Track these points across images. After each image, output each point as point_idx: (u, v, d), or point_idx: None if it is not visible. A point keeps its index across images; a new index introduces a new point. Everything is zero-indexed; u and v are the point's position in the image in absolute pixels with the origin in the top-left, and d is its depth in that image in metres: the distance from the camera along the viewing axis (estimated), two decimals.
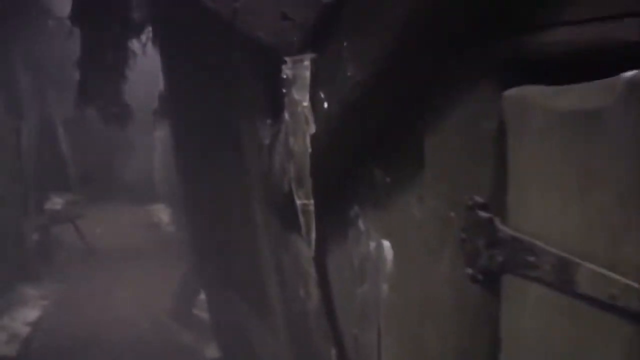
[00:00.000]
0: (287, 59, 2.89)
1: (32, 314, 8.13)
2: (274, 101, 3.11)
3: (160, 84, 6.62)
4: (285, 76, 2.91)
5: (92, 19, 5.67)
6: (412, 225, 2.47)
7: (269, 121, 3.29)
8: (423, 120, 2.33)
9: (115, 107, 6.42)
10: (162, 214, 14.20)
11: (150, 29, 5.70)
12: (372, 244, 2.81)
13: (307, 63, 2.81)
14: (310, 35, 2.77)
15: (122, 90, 6.27)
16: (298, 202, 2.92)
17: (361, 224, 2.89)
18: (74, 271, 10.15)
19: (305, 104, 2.85)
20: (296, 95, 2.86)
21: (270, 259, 3.37)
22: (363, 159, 2.82)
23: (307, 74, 2.82)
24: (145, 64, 6.85)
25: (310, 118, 2.82)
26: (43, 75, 12.68)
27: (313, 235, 2.91)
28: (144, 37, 5.98)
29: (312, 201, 2.88)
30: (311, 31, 2.75)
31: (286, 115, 2.97)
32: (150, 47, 6.02)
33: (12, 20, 8.28)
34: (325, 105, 2.75)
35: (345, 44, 2.50)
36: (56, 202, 15.40)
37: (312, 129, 2.83)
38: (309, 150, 2.85)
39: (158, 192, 15.26)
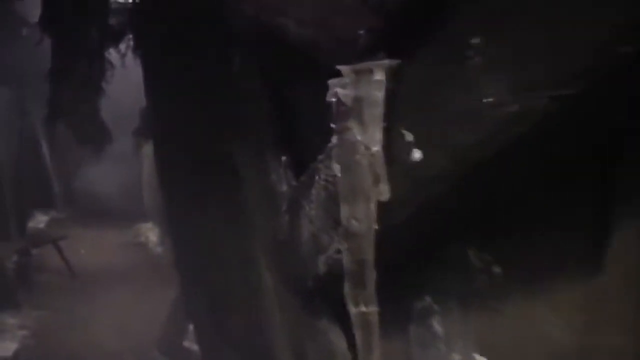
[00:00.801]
0: (341, 68, 1.88)
1: (8, 346, 7.49)
2: (299, 131, 2.35)
3: (142, 100, 6.01)
4: (334, 99, 1.88)
5: (63, 25, 5.04)
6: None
7: (284, 159, 2.48)
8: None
9: (90, 126, 5.74)
10: (150, 233, 13.56)
11: (130, 36, 5.05)
12: (457, 358, 2.00)
13: (379, 77, 1.79)
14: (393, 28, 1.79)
15: (98, 106, 5.64)
16: (353, 309, 1.98)
17: (436, 326, 2.04)
18: (55, 297, 9.51)
19: (376, 148, 1.82)
20: (357, 131, 1.82)
21: (282, 337, 2.71)
22: (454, 235, 1.98)
23: (380, 95, 1.79)
24: (124, 77, 6.26)
25: (382, 173, 1.85)
26: (21, 87, 12.06)
27: (376, 354, 1.97)
28: (123, 46, 5.31)
29: (376, 309, 1.94)
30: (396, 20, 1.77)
31: (334, 165, 1.97)
32: (130, 57, 5.35)
33: None
34: (415, 152, 1.76)
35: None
36: (40, 220, 14.84)
37: (385, 192, 1.85)
38: (374, 227, 1.87)
39: (145, 211, 14.66)
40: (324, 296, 2.31)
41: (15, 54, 10.39)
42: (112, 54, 5.24)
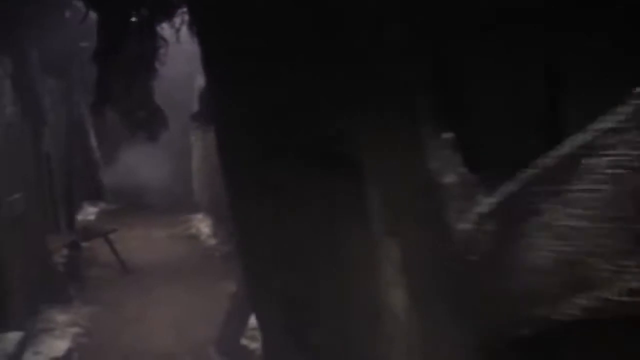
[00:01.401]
0: None
1: (59, 345, 7.10)
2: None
3: (199, 81, 5.47)
4: None
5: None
6: None
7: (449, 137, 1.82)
8: None
9: (143, 111, 5.24)
10: (202, 224, 13.20)
11: (185, 9, 4.50)
12: None
13: None
14: None
15: (151, 88, 5.14)
16: None
17: None
18: (107, 292, 9.14)
19: None
20: None
21: None
22: None
23: None
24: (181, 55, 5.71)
25: None
26: (68, 78, 11.72)
27: None
28: (177, 21, 4.78)
29: None
30: None
31: None
32: (185, 33, 4.84)
33: (26, 16, 7.26)
34: None
35: None
36: (89, 212, 14.58)
37: None
38: None
39: (196, 202, 14.29)
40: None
41: (61, 42, 10.05)
42: (165, 30, 4.74)
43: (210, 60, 3.45)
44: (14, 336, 6.50)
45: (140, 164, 13.61)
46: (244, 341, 7.11)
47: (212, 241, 11.80)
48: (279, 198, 2.83)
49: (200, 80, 12.52)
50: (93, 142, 15.41)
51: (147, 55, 4.77)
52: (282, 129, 2.76)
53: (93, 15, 5.01)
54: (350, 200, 2.51)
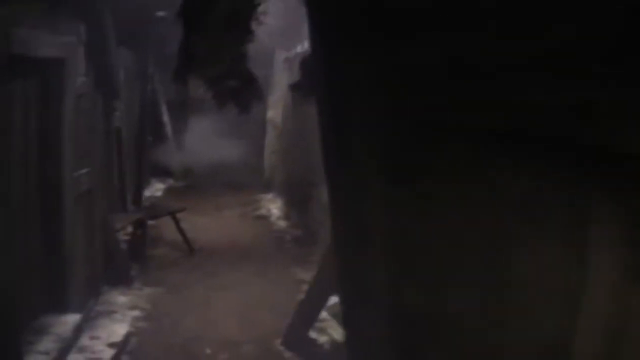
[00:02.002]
0: None
1: (118, 330, 6.71)
2: None
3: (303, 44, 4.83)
4: None
5: None
6: None
7: None
8: None
9: (235, 79, 4.61)
10: (272, 205, 12.78)
11: None
12: None
13: None
14: None
15: (245, 53, 4.49)
16: None
17: None
18: (171, 274, 8.77)
19: None
20: None
21: None
22: None
23: None
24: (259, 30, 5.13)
25: None
26: (143, 48, 11.38)
27: None
28: None
29: None
30: None
31: None
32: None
33: None
34: None
35: None
36: (157, 189, 14.32)
37: None
38: None
39: (267, 181, 13.91)
40: None
41: (137, 11, 9.67)
42: None
43: (316, 21, 2.87)
44: (71, 319, 6.14)
45: (211, 141, 13.27)
46: (312, 334, 6.63)
47: (283, 223, 11.37)
48: (428, 186, 2.22)
49: (281, 55, 12.19)
50: (165, 117, 15.16)
51: (243, 13, 4.17)
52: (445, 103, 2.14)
53: None
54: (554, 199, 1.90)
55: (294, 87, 5.43)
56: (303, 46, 10.99)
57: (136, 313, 7.33)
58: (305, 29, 10.23)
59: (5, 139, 4.90)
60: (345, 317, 3.23)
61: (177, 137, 14.87)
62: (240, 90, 4.59)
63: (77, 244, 6.46)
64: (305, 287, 8.18)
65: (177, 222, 9.69)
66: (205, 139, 13.00)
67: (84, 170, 6.42)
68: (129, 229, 9.14)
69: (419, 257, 2.28)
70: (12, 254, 5.10)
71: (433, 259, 2.23)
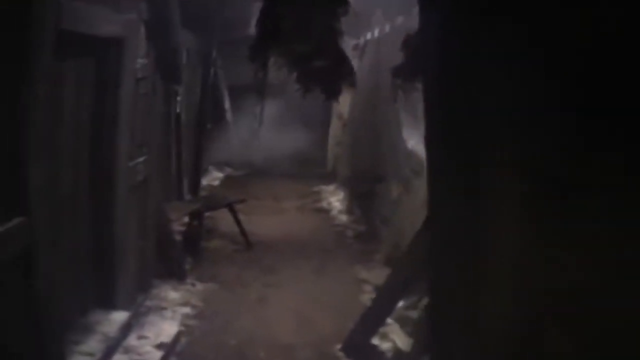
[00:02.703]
0: None
1: (167, 329, 6.32)
2: None
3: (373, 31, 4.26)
4: None
5: None
6: None
7: None
8: None
9: (323, 59, 4.04)
10: (333, 197, 12.30)
11: None
12: None
13: None
14: None
15: (339, 29, 3.97)
16: None
17: None
18: (225, 268, 8.37)
19: None
20: None
21: None
22: None
23: None
24: None
25: None
26: (208, 31, 10.98)
27: None
28: None
29: None
30: None
31: None
32: None
33: None
34: None
35: None
36: (215, 177, 13.98)
37: None
38: None
39: (329, 172, 13.44)
40: None
41: None
42: None
43: None
44: (118, 317, 5.77)
45: (273, 129, 12.87)
46: (374, 340, 6.17)
47: (344, 218, 10.88)
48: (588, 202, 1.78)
49: (349, 42, 11.70)
50: (227, 103, 14.80)
51: None
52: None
53: None
54: None
55: (396, 71, 4.78)
56: (374, 33, 10.50)
57: (187, 310, 6.95)
58: (375, 15, 9.54)
59: (55, 125, 4.51)
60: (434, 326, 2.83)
61: (238, 125, 14.49)
62: (329, 71, 4.08)
63: (129, 236, 6.09)
64: (367, 287, 7.74)
65: (235, 214, 9.29)
66: (268, 127, 12.57)
67: (140, 159, 6.04)
68: (185, 219, 8.77)
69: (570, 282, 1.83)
70: (60, 247, 4.74)
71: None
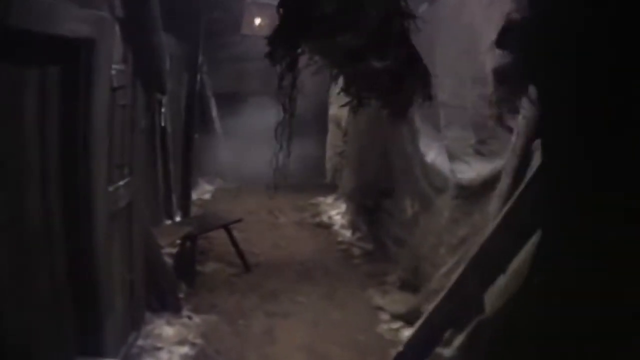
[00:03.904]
0: None
1: None
2: None
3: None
4: None
5: None
6: None
7: None
8: None
9: (382, 57, 2.94)
10: (333, 210, 11.43)
11: None
12: None
13: None
14: None
15: (406, 10, 2.94)
16: None
17: None
18: (224, 297, 7.50)
19: None
20: None
21: None
22: None
23: None
24: None
25: None
26: (193, 35, 10.12)
27: None
28: None
29: None
30: None
31: None
32: None
33: None
34: None
35: None
36: (206, 190, 13.09)
37: None
38: None
39: (329, 182, 12.59)
40: None
41: None
42: None
43: None
44: None
45: (264, 138, 11.97)
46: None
47: (348, 234, 9.99)
48: None
49: None
50: (214, 112, 13.95)
51: None
52: None
53: None
54: None
55: (501, 75, 3.73)
56: None
57: (185, 350, 6.06)
58: None
59: (13, 145, 3.62)
60: None
61: (227, 134, 13.67)
62: (394, 77, 3.07)
63: (113, 271, 5.19)
64: (383, 316, 6.92)
65: (230, 234, 8.40)
66: (259, 131, 11.68)
67: (121, 182, 5.14)
68: (176, 243, 7.89)
69: None
70: (28, 289, 3.87)
71: None
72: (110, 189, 4.85)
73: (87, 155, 4.28)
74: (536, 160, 4.02)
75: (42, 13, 3.47)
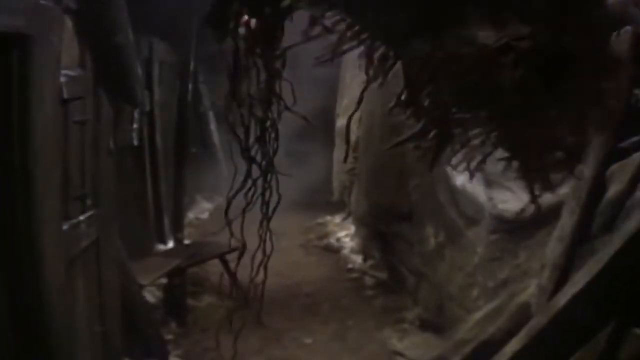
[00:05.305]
0: None
1: None
2: None
3: None
4: None
5: None
6: None
7: None
8: None
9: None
10: (342, 232, 10.41)
11: None
12: None
13: None
14: None
15: None
16: None
17: None
18: (221, 340, 6.46)
19: None
20: None
21: None
22: None
23: None
24: None
25: None
26: (184, 44, 9.26)
27: None
28: None
29: None
30: None
31: None
32: None
33: None
34: None
35: None
36: (203, 209, 12.19)
37: None
38: None
39: (337, 201, 11.57)
40: None
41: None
42: None
43: None
44: None
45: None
46: None
47: (359, 259, 8.96)
48: None
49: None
50: (213, 126, 12.96)
51: None
52: None
53: None
54: None
55: None
56: None
57: None
58: None
59: None
60: None
61: (227, 148, 12.71)
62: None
63: (77, 325, 4.20)
64: None
65: (226, 265, 7.39)
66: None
67: (82, 217, 4.13)
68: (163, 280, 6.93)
69: None
70: None
71: None
72: (66, 226, 3.84)
73: (27, 188, 3.27)
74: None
75: None
